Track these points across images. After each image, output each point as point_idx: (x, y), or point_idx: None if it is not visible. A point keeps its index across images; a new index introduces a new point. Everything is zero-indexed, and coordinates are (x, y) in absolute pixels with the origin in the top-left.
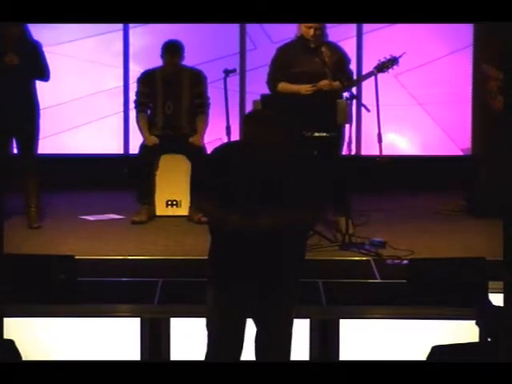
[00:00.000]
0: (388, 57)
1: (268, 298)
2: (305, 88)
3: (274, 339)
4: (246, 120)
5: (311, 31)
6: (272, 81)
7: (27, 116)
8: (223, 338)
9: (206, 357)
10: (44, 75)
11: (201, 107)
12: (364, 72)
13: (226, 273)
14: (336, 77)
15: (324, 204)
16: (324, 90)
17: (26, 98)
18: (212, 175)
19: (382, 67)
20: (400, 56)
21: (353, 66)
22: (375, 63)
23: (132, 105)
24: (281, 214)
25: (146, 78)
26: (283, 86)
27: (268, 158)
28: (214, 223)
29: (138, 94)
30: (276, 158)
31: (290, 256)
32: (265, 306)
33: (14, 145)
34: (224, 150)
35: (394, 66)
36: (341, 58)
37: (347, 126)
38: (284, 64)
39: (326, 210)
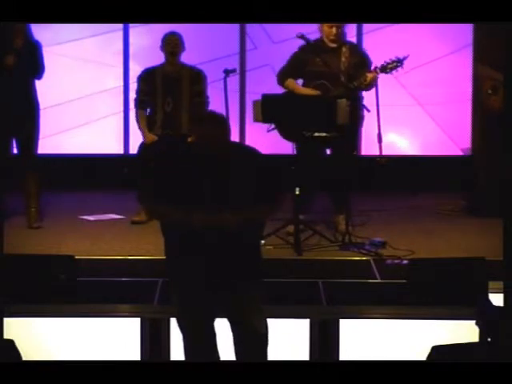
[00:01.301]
0: (393, 58)
1: (231, 296)
2: (308, 93)
3: (243, 339)
4: (196, 122)
5: (333, 30)
6: (282, 74)
7: (27, 115)
8: (193, 336)
9: (184, 354)
10: (37, 73)
11: (200, 106)
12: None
13: (188, 275)
14: (351, 79)
15: (275, 199)
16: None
17: (26, 98)
18: (162, 177)
19: (386, 68)
20: (405, 58)
21: None
22: (379, 64)
23: (132, 104)
24: (238, 211)
25: (146, 76)
26: (289, 84)
27: (219, 157)
28: (173, 223)
29: (137, 91)
30: (227, 157)
31: (245, 253)
32: (227, 304)
33: (14, 144)
34: (175, 152)
35: (399, 68)
36: (361, 60)
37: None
38: (300, 62)
39: (277, 206)
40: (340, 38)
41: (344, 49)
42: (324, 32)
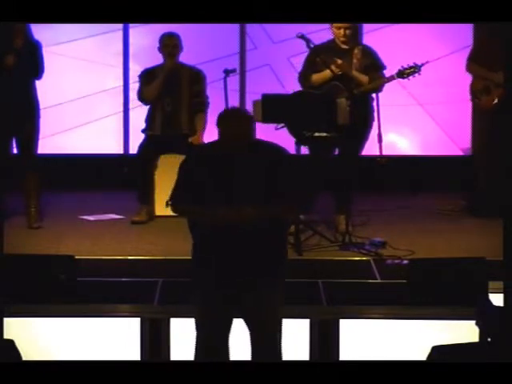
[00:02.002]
0: (411, 64)
1: (253, 294)
2: (334, 66)
3: (260, 338)
4: (220, 120)
5: (341, 32)
6: (303, 78)
7: (27, 115)
8: (210, 337)
9: (195, 355)
10: (36, 74)
11: (200, 106)
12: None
13: (212, 274)
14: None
15: (304, 197)
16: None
17: (26, 98)
18: (186, 177)
19: (403, 73)
20: (423, 64)
21: None
22: (396, 69)
23: (132, 105)
24: (264, 207)
25: (146, 76)
26: (316, 78)
27: (243, 155)
28: (198, 223)
29: (139, 92)
30: (251, 155)
31: (272, 252)
32: (250, 303)
33: (14, 144)
34: (197, 151)
35: (416, 74)
36: (373, 62)
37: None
38: (314, 63)
39: (308, 203)
40: (351, 39)
41: (356, 50)
42: (334, 33)
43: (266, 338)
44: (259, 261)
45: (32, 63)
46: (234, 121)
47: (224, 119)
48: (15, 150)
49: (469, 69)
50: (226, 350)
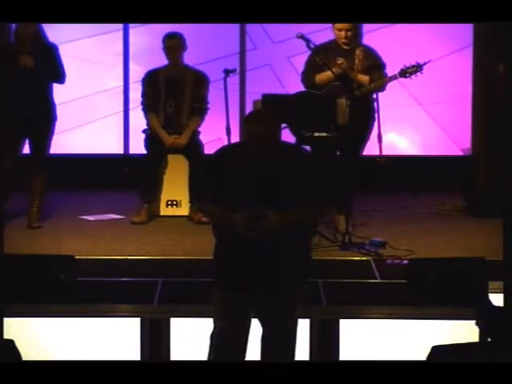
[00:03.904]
0: (413, 63)
1: (273, 298)
2: (335, 68)
3: (280, 339)
4: (247, 120)
5: (342, 33)
6: (306, 79)
7: (43, 118)
8: (227, 339)
9: (209, 356)
10: (59, 78)
11: (199, 111)
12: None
13: (231, 274)
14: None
15: (329, 201)
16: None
17: (43, 100)
18: (211, 177)
19: (405, 73)
20: (425, 63)
21: None
22: (398, 68)
23: (131, 105)
24: (286, 212)
25: (150, 79)
26: (320, 78)
27: (270, 156)
28: (219, 224)
29: (143, 95)
30: (277, 156)
31: (294, 255)
32: (270, 306)
33: (27, 145)
34: (224, 151)
35: (418, 73)
36: (374, 62)
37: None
38: (316, 64)
39: (331, 207)
40: (352, 40)
41: (358, 51)
42: (335, 35)
43: (285, 338)
44: (279, 265)
45: (50, 66)
46: (262, 121)
47: (252, 119)
48: (28, 150)
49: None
50: (243, 352)
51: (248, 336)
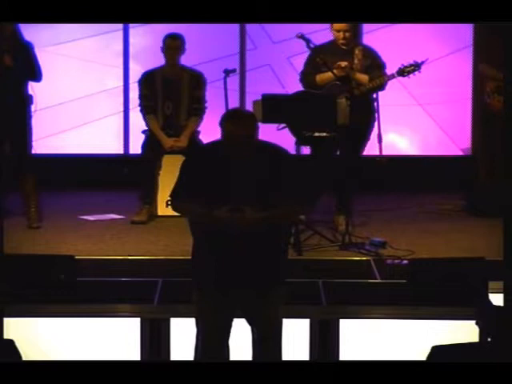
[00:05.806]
0: (411, 62)
1: (251, 295)
2: (337, 70)
3: (261, 338)
4: (222, 119)
5: (341, 34)
6: (306, 78)
7: (19, 116)
8: (210, 337)
9: (195, 354)
10: (36, 76)
11: (196, 111)
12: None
13: (211, 271)
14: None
15: (304, 200)
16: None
17: (18, 99)
18: (187, 176)
19: (403, 71)
20: (423, 62)
21: None
22: (396, 67)
23: (131, 105)
24: (265, 208)
25: (146, 80)
26: (320, 78)
27: (245, 156)
28: (198, 222)
29: (140, 97)
30: (253, 156)
31: (268, 255)
32: (249, 305)
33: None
34: (200, 150)
35: (416, 72)
36: (374, 62)
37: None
38: (316, 64)
39: (308, 206)
40: (351, 40)
41: (357, 51)
42: (334, 36)
43: (270, 337)
44: (258, 263)
45: (27, 65)
46: (238, 121)
47: (227, 119)
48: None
49: (480, 69)
50: (225, 350)
51: (229, 334)
